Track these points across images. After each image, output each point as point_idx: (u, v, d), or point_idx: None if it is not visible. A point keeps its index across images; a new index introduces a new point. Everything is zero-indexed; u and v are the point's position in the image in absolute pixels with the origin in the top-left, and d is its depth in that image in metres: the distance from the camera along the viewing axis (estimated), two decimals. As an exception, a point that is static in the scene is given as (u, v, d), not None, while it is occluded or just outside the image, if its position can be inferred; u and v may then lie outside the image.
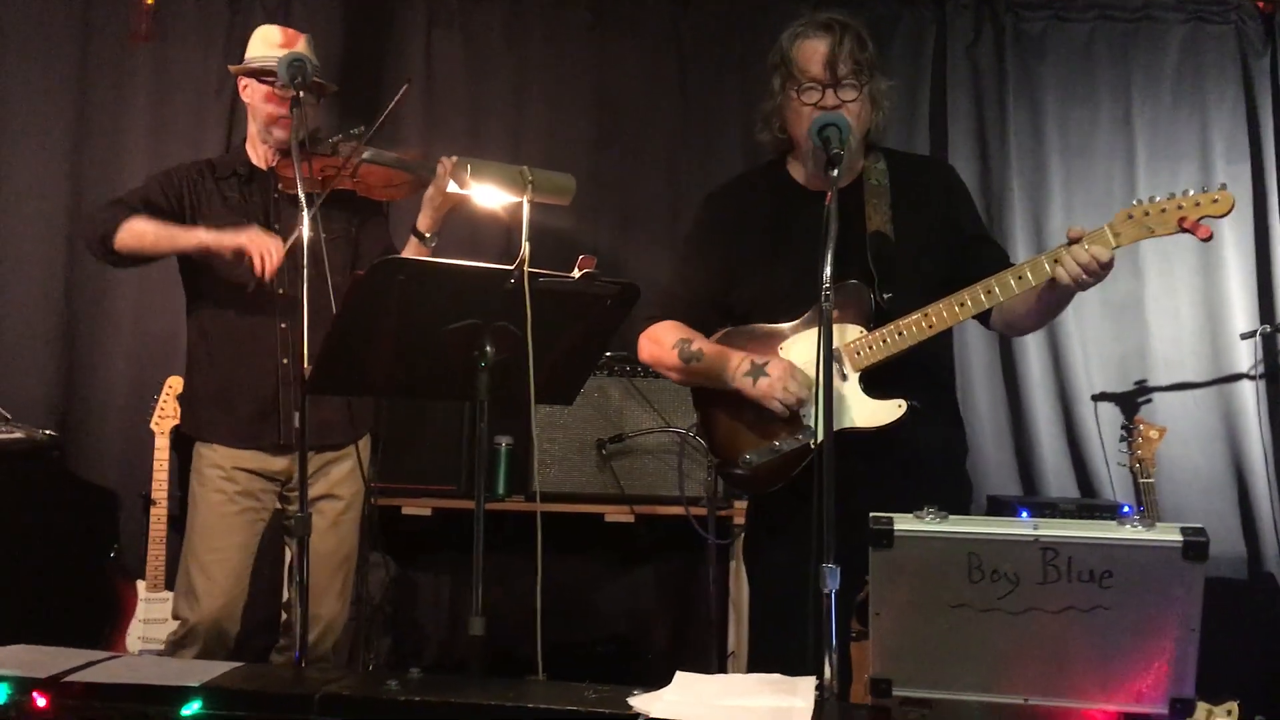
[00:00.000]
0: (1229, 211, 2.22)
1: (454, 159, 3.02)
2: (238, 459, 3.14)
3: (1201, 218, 2.22)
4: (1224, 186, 2.23)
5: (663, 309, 2.66)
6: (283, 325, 3.13)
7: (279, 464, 3.17)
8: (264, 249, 2.91)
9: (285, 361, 3.12)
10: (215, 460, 3.14)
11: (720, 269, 2.62)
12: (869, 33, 2.49)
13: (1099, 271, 2.24)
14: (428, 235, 3.13)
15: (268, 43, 3.15)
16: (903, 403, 2.39)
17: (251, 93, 3.15)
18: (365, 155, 3.09)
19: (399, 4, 4.42)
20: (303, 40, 3.18)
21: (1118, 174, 4.37)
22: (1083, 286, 2.27)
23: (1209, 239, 2.26)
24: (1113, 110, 4.40)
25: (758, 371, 2.43)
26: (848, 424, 2.39)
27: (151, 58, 4.31)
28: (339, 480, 3.21)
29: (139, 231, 2.99)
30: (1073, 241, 2.25)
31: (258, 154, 3.20)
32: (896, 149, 2.74)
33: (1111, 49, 4.42)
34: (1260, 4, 4.40)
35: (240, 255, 2.93)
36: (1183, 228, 2.23)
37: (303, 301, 2.45)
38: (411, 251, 3.11)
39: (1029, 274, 2.31)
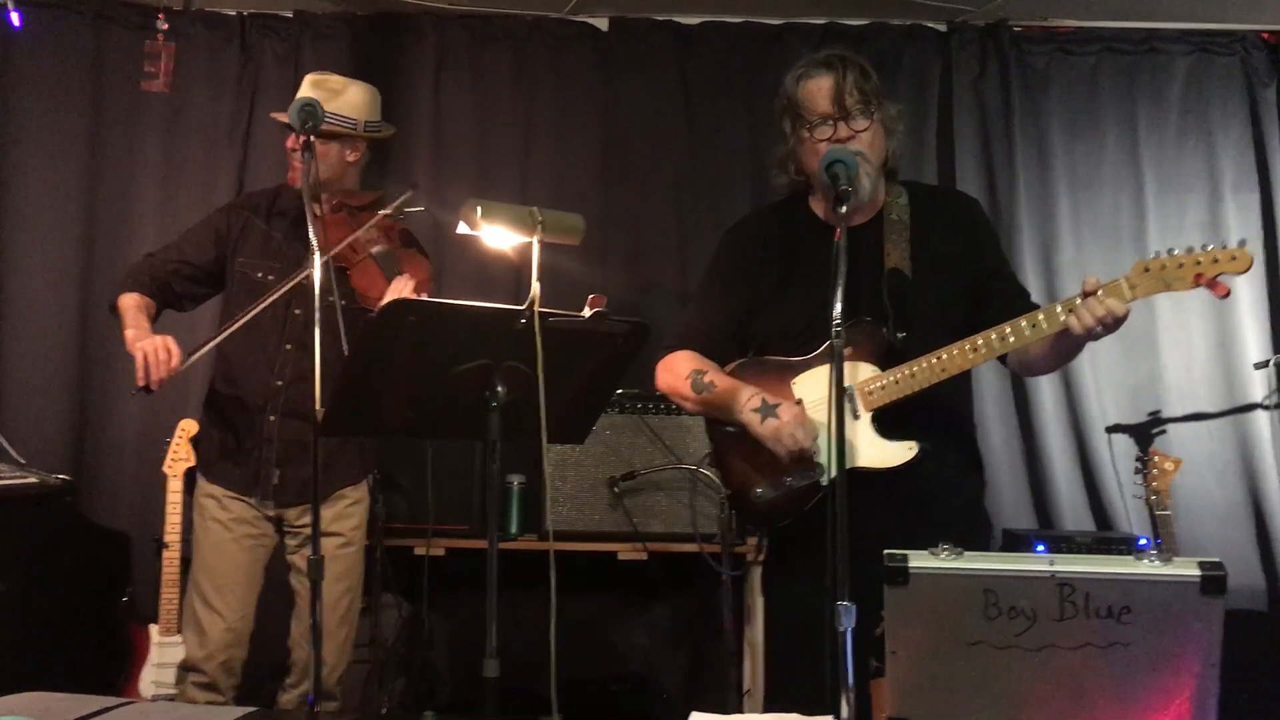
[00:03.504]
0: (1248, 269, 2.18)
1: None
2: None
3: (1219, 274, 2.19)
4: (1243, 243, 2.19)
5: (680, 339, 2.68)
6: (279, 383, 3.15)
7: (269, 511, 3.22)
8: (151, 356, 2.93)
9: (273, 419, 3.15)
10: (211, 491, 3.22)
11: (737, 302, 2.64)
12: (871, 64, 2.52)
13: (1113, 325, 2.24)
14: None
15: (308, 85, 3.25)
16: (914, 445, 2.38)
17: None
18: (373, 251, 3.13)
19: (407, 47, 4.47)
20: (351, 86, 3.26)
21: (1126, 205, 4.38)
22: (1095, 337, 2.27)
23: (1226, 296, 2.24)
24: (1119, 142, 4.41)
25: (768, 411, 2.43)
26: (859, 464, 2.37)
27: (164, 103, 4.36)
28: (335, 518, 3.24)
29: (121, 308, 3.15)
30: (1088, 293, 2.24)
31: None
32: (917, 181, 2.74)
33: (1116, 81, 4.44)
34: (1265, 34, 4.42)
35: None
36: (1199, 284, 2.21)
37: (314, 349, 2.46)
38: None
39: (1043, 321, 2.30)
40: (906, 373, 2.39)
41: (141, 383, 2.94)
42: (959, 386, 2.53)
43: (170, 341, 2.98)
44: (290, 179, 3.22)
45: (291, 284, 2.98)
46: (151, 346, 2.95)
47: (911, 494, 2.39)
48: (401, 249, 3.25)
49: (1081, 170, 4.41)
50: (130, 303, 3.14)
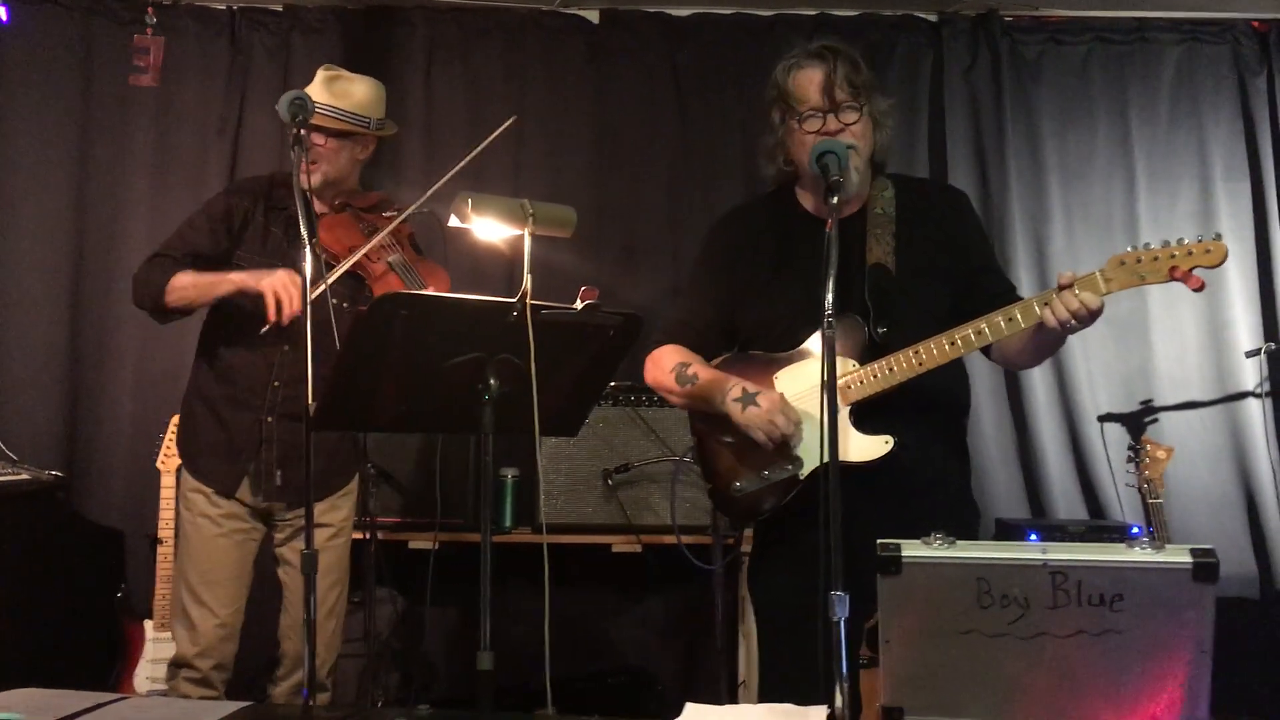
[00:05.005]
0: (1222, 262, 2.19)
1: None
2: None
3: (1193, 267, 2.20)
4: (1219, 236, 2.20)
5: (668, 333, 2.69)
6: (275, 384, 3.13)
7: (260, 505, 3.20)
8: (281, 291, 2.91)
9: (270, 420, 3.14)
10: (198, 486, 3.18)
11: (725, 294, 2.63)
12: (862, 56, 2.51)
13: (1087, 318, 2.23)
14: None
15: (320, 80, 3.19)
16: (889, 439, 2.38)
17: None
18: (390, 259, 3.11)
19: (398, 40, 4.46)
20: (363, 83, 3.21)
21: (1117, 195, 4.38)
22: (1071, 331, 2.27)
23: (1200, 289, 2.23)
24: (1110, 132, 4.41)
25: (748, 399, 2.43)
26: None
27: (153, 97, 4.34)
28: (325, 509, 3.22)
29: (182, 287, 3.06)
30: (1063, 287, 2.24)
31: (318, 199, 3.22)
32: (904, 174, 2.74)
33: (1107, 71, 4.44)
34: (1255, 23, 4.43)
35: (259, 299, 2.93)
36: (1174, 277, 2.21)
37: (306, 341, 2.44)
38: None
39: (1019, 316, 2.30)
40: (884, 368, 2.39)
41: (273, 318, 2.91)
42: (953, 378, 2.52)
43: (293, 274, 2.93)
44: (300, 179, 3.16)
45: (317, 294, 2.92)
46: (280, 282, 2.92)
47: (893, 487, 2.38)
48: (417, 257, 3.23)
49: (1073, 160, 4.41)
50: (193, 274, 3.06)
